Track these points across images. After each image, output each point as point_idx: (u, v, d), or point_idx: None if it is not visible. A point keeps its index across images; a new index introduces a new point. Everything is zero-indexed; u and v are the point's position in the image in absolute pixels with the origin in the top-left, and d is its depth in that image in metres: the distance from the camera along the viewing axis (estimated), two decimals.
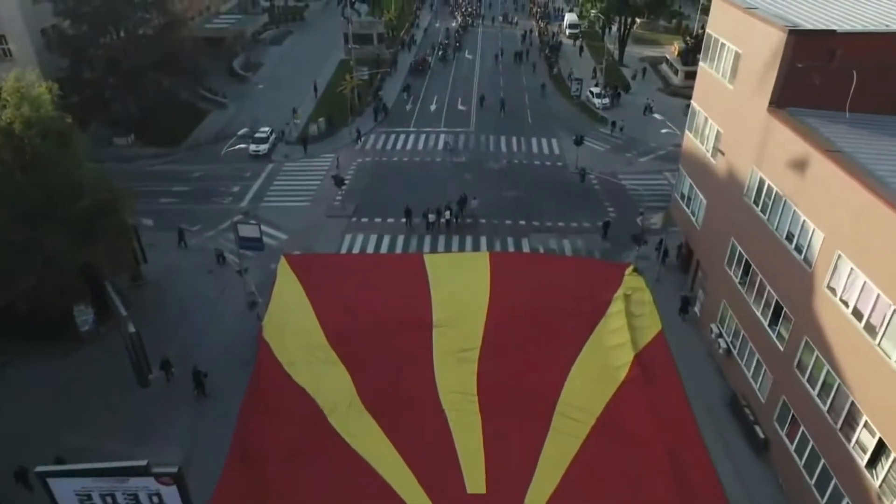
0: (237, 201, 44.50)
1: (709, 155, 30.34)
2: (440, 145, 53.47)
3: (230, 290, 34.50)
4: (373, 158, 51.25)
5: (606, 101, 59.76)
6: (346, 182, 45.80)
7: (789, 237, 22.83)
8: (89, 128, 51.73)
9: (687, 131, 33.41)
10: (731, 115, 28.03)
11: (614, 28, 79.85)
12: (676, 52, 69.75)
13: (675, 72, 68.23)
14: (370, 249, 39.28)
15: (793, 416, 22.66)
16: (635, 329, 31.14)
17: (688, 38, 68.86)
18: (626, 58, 74.37)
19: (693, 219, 32.49)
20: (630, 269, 34.54)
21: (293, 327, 30.92)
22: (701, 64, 31.76)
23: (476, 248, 39.30)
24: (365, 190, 45.93)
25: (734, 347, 27.51)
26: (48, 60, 50.66)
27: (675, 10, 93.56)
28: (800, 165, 22.08)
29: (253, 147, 50.67)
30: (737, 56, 27.29)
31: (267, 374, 28.10)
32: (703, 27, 71.81)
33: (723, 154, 28.63)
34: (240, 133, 32.39)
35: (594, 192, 45.65)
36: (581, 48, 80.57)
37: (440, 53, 76.70)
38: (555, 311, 32.26)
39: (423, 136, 55.24)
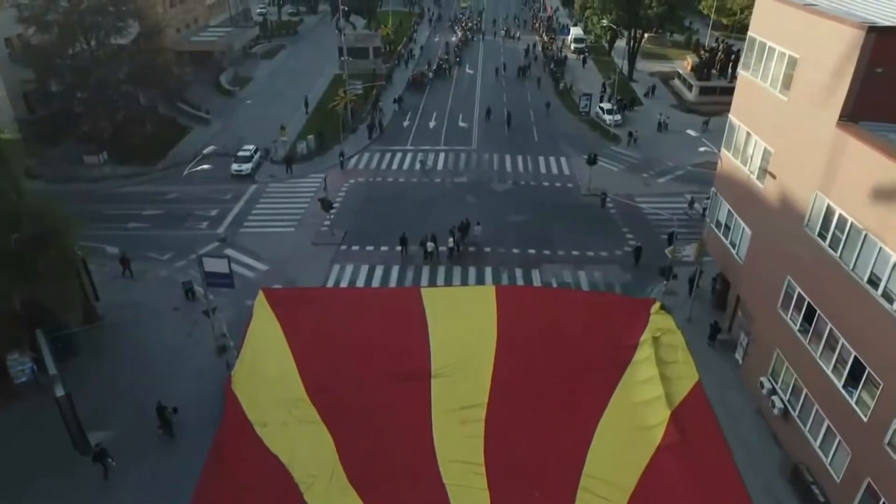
0: (214, 226, 40.10)
1: (753, 177, 26.04)
2: (439, 165, 49.25)
3: (199, 332, 29.94)
4: (366, 179, 46.95)
5: (618, 117, 55.66)
6: (336, 205, 41.47)
7: (873, 281, 18.39)
8: (59, 145, 47.68)
9: (723, 150, 29.14)
10: (784, 132, 23.74)
11: (621, 42, 76.54)
12: (690, 67, 65.92)
13: (689, 87, 64.31)
14: (360, 282, 34.82)
15: None
16: (668, 380, 26.52)
17: (702, 52, 65.03)
18: (635, 73, 70.54)
19: (733, 251, 28.08)
20: (657, 306, 29.98)
21: (268, 377, 26.37)
22: (741, 73, 27.59)
23: (480, 280, 34.87)
24: (356, 214, 41.56)
25: (793, 408, 22.95)
26: (13, 72, 46.73)
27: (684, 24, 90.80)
28: (888, 193, 17.72)
29: (235, 166, 46.54)
30: (791, 62, 23.07)
31: (233, 438, 23.44)
32: (717, 40, 68.45)
33: (773, 177, 24.32)
34: (205, 152, 28.02)
35: (610, 216, 41.30)
36: (584, 61, 77.31)
37: (439, 68, 72.87)
38: (573, 358, 27.70)
39: (420, 155, 51.00)
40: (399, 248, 36.66)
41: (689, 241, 35.41)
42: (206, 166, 27.88)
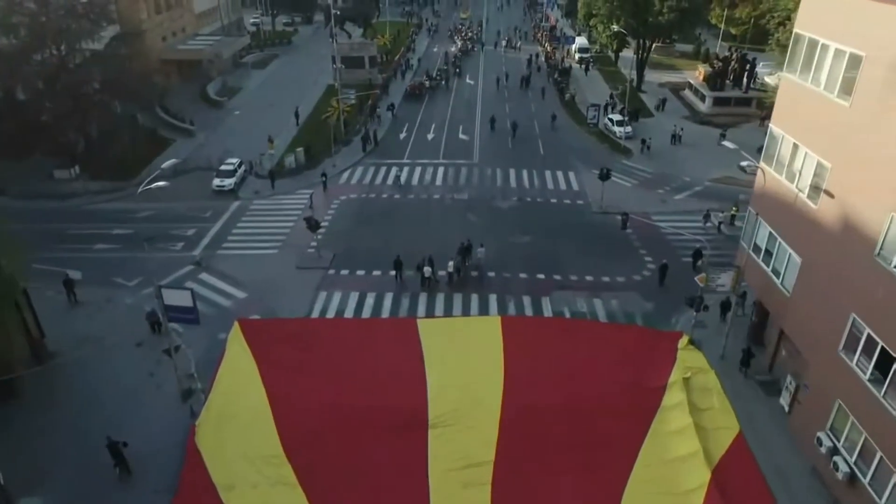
0: (189, 248, 36.41)
1: (802, 196, 22.39)
2: (437, 180, 45.64)
3: (162, 371, 26.10)
4: (358, 195, 43.30)
5: (629, 129, 52.18)
6: (324, 225, 37.82)
7: None
8: (26, 158, 44.01)
9: (762, 164, 25.50)
10: (844, 143, 20.12)
11: (627, 53, 73.50)
12: (702, 77, 62.60)
13: (702, 98, 60.95)
14: (349, 311, 31.06)
15: None
16: (705, 432, 22.71)
17: (714, 62, 61.70)
18: (643, 84, 67.25)
19: (776, 280, 24.35)
20: (684, 340, 26.27)
21: (239, 426, 22.59)
22: (785, 75, 24.03)
23: (484, 309, 31.13)
24: (346, 234, 37.86)
25: (863, 474, 19.11)
26: None
27: (694, 33, 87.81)
28: None
29: (217, 181, 42.97)
30: (854, 61, 19.50)
31: None
32: (730, 49, 65.19)
33: (830, 196, 20.68)
34: (164, 166, 24.43)
35: (625, 236, 37.61)
36: (587, 69, 74.63)
37: (438, 78, 69.57)
38: (592, 403, 23.91)
39: (418, 170, 47.45)
40: (393, 272, 32.96)
41: (713, 262, 31.71)
42: (162, 183, 24.18)
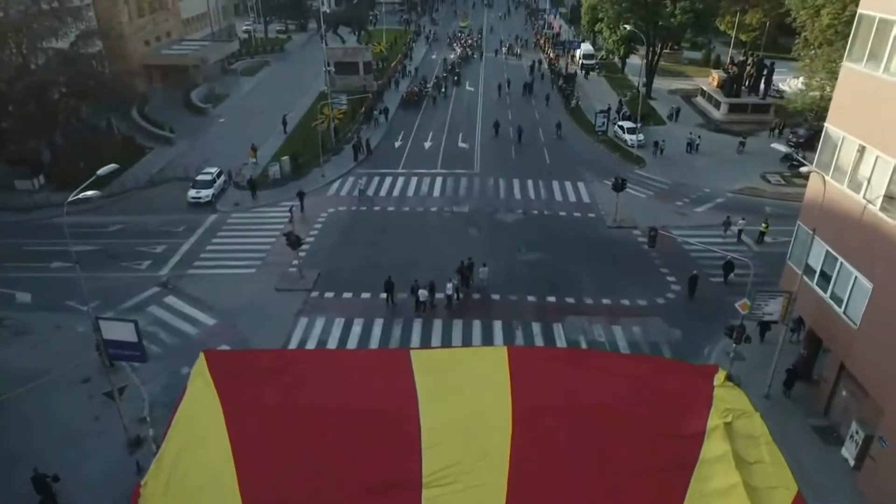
0: (157, 267, 32.56)
1: (873, 209, 18.60)
2: (435, 192, 41.89)
3: (109, 414, 22.06)
4: (348, 208, 39.47)
5: (641, 136, 48.55)
6: (309, 240, 34.05)
7: None
8: None
9: (815, 170, 21.71)
10: None
11: (634, 60, 70.22)
12: (716, 83, 59.12)
13: (717, 105, 57.36)
14: (333, 340, 27.14)
15: None
16: (755, 492, 18.14)
17: (730, 67, 58.19)
18: (652, 91, 63.72)
19: (837, 309, 20.48)
20: (720, 376, 22.06)
21: (194, 486, 18.38)
22: (848, 65, 20.33)
23: (487, 338, 27.23)
24: (333, 252, 34.02)
25: None
26: None
27: (699, 41, 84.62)
28: None
29: (193, 193, 39.20)
30: None
31: None
32: (744, 53, 61.80)
33: None
34: (100, 172, 20.74)
35: (644, 253, 33.79)
36: (586, 73, 71.86)
37: (436, 84, 66.07)
38: (617, 454, 19.54)
39: (414, 180, 43.70)
40: (384, 295, 29.10)
41: (740, 282, 28.01)
42: (91, 193, 20.44)
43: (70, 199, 21.02)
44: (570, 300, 29.66)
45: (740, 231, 35.09)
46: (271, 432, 21.28)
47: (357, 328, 27.78)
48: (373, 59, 68.04)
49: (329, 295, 30.12)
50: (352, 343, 26.91)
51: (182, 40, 68.32)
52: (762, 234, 34.75)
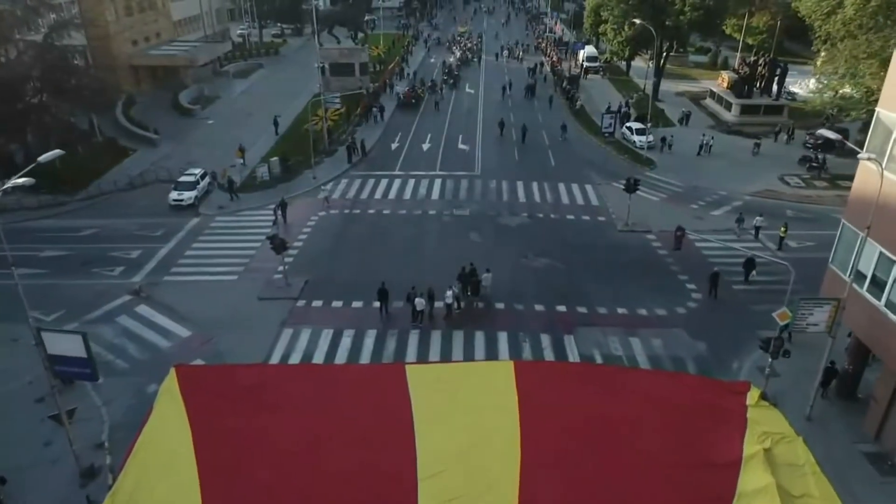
0: (130, 273, 29.95)
1: None
2: (434, 194, 39.35)
3: (63, 440, 19.37)
4: (340, 211, 36.88)
5: (650, 138, 46.13)
6: (297, 245, 31.49)
7: None
8: None
9: (863, 162, 19.18)
10: None
11: (638, 63, 68.02)
12: (727, 85, 56.84)
13: (728, 106, 55.05)
14: (320, 354, 24.50)
15: None
16: None
17: (741, 67, 55.89)
18: (659, 93, 61.39)
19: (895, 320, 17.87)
20: (754, 394, 19.40)
21: None
22: None
23: (492, 351, 24.60)
24: (322, 257, 31.43)
25: None
26: None
27: (703, 45, 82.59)
28: None
29: (174, 195, 36.68)
30: None
31: None
32: (756, 54, 59.59)
33: None
34: (41, 158, 18.16)
35: (659, 258, 31.27)
36: (585, 74, 69.80)
37: (434, 87, 63.70)
38: (639, 487, 17.05)
39: (411, 182, 41.16)
40: (377, 304, 26.48)
41: (764, 290, 25.53)
42: (23, 181, 17.91)
43: (5, 186, 18.15)
44: (582, 309, 27.04)
45: (757, 228, 33.09)
46: (247, 461, 18.14)
47: (347, 340, 25.13)
48: (370, 62, 65.75)
49: (317, 304, 27.49)
50: (341, 357, 24.27)
51: (172, 41, 66.05)
52: (782, 238, 32.36)
